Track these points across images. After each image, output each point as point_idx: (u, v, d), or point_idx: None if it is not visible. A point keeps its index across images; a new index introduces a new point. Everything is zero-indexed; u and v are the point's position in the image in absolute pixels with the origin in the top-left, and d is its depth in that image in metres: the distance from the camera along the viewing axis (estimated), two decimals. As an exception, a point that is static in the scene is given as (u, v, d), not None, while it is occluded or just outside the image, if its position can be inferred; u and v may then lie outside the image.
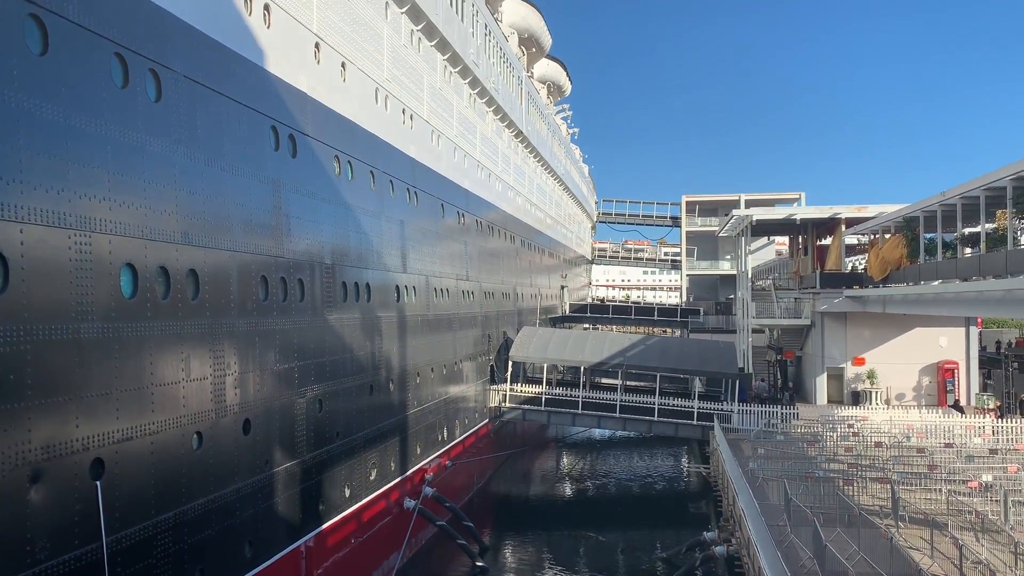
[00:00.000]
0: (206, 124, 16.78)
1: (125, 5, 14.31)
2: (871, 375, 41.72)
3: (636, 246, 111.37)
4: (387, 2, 27.56)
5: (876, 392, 41.34)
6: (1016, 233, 24.11)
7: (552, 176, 65.36)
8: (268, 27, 19.40)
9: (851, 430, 32.00)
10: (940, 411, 37.37)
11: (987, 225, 26.65)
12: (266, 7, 19.31)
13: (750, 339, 48.22)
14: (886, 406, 39.88)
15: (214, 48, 17.12)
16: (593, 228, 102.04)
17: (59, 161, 12.59)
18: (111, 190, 13.71)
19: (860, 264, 51.83)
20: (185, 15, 16.08)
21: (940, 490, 22.68)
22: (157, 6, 15.20)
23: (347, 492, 23.47)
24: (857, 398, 41.58)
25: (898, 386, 41.79)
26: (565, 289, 71.92)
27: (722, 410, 36.93)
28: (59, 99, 12.66)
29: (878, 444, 29.30)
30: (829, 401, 42.33)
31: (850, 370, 42.47)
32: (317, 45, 22.06)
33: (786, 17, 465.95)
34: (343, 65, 23.80)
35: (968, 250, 29.36)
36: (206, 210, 16.67)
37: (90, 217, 13.17)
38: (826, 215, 45.82)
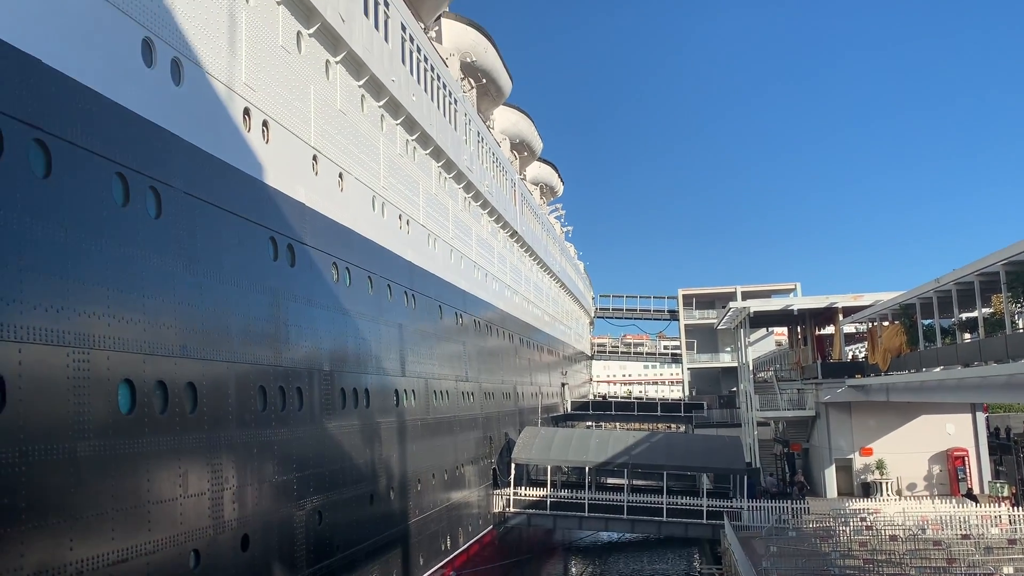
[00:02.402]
0: (205, 237, 17.00)
1: (127, 126, 14.72)
2: (880, 465, 41.01)
3: (635, 340, 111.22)
4: (382, 114, 28.39)
5: (887, 483, 40.56)
6: (1014, 317, 24.17)
7: (548, 274, 65.91)
8: (267, 142, 19.92)
9: (864, 523, 31.25)
10: (954, 501, 36.60)
11: (984, 310, 26.74)
12: (264, 123, 19.86)
13: (755, 432, 47.65)
14: (898, 497, 39.08)
15: (213, 164, 17.52)
16: (591, 324, 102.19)
17: (59, 280, 12.69)
18: (110, 306, 13.77)
19: (860, 352, 51.70)
20: (185, 133, 16.52)
21: (961, 585, 21.98)
22: (158, 126, 15.63)
23: (349, 607, 22.68)
24: (868, 490, 40.76)
25: (909, 476, 41.04)
26: (566, 386, 71.46)
27: (732, 507, 36.15)
28: (60, 219, 12.87)
29: (893, 537, 28.56)
30: (839, 494, 41.48)
31: (858, 461, 41.79)
32: (315, 157, 22.60)
33: (780, 116, 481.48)
34: (340, 175, 24.32)
35: (967, 335, 29.37)
36: (205, 322, 16.71)
37: (89, 334, 13.18)
38: (823, 305, 46.01)
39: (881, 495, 39.51)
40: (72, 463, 12.61)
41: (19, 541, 11.55)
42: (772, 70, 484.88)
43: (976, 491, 39.24)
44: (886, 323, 38.10)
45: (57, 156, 12.90)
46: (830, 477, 42.16)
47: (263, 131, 19.80)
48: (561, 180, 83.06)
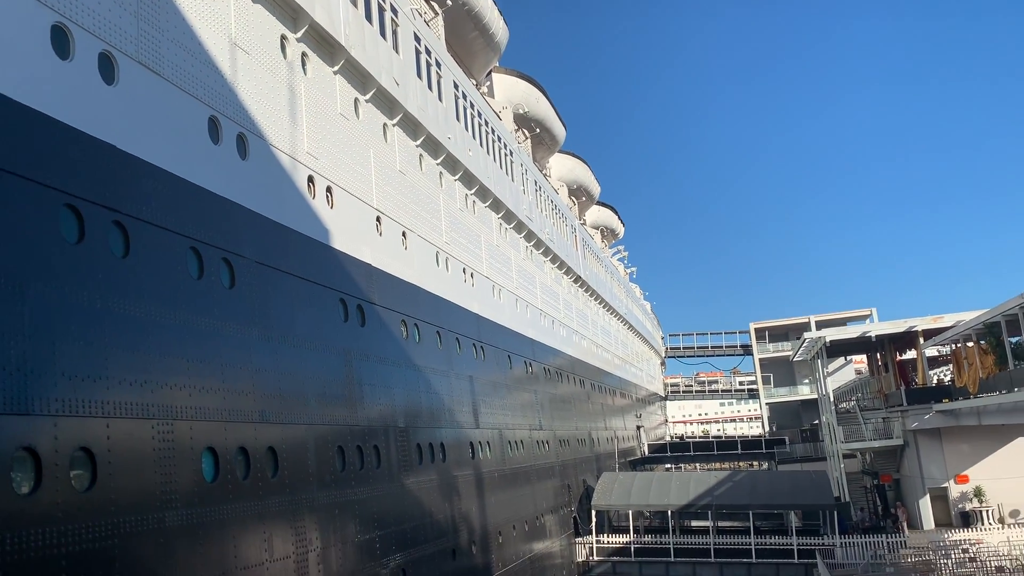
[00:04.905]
0: (277, 304, 17.45)
1: (199, 202, 15.30)
2: (978, 493, 39.03)
3: (709, 378, 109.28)
4: (441, 171, 28.92)
5: (987, 511, 38.55)
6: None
7: (615, 316, 65.49)
8: (331, 207, 20.46)
9: (967, 555, 29.73)
10: (1063, 526, 34.56)
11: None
12: (328, 189, 20.43)
13: (842, 465, 46.01)
14: (1001, 526, 37.10)
15: (282, 232, 18.04)
16: (663, 364, 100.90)
17: (141, 355, 13.14)
18: (190, 377, 14.18)
19: (946, 376, 49.73)
20: (254, 205, 17.09)
21: (1080, 617, 20.65)
22: (228, 200, 16.21)
23: (437, 666, 22.47)
24: (967, 519, 38.77)
25: (1011, 502, 38.91)
26: (642, 429, 70.40)
27: (824, 544, 34.84)
28: (140, 296, 13.37)
29: (1000, 569, 27.12)
30: (937, 525, 39.52)
31: (954, 489, 39.85)
32: (378, 218, 23.09)
33: (845, 145, 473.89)
34: (404, 234, 24.77)
35: (1060, 351, 28.05)
36: (281, 387, 17.05)
37: (171, 405, 13.57)
38: (901, 329, 44.46)
39: (982, 524, 37.57)
40: (161, 533, 12.89)
41: (115, 613, 11.81)
42: (835, 94, 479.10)
43: (1086, 515, 37.02)
44: (970, 344, 36.65)
45: (134, 236, 13.46)
46: (925, 508, 40.27)
47: (327, 196, 20.35)
48: (621, 222, 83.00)
